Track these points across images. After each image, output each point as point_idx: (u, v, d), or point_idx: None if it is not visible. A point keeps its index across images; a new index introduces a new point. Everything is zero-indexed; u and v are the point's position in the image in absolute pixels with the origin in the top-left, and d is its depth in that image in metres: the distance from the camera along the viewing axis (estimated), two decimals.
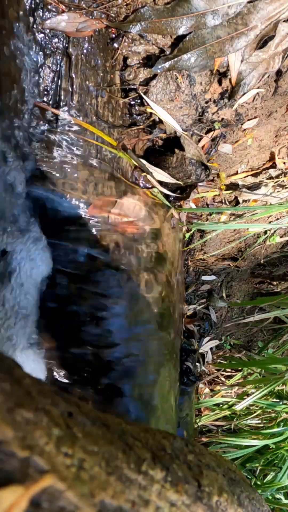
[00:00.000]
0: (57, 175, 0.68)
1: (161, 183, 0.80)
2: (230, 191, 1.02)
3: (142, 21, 0.63)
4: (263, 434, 1.33)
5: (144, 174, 0.78)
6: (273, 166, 1.01)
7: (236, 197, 1.05)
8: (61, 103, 0.66)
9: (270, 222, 1.17)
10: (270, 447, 1.38)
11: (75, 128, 0.68)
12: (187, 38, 0.66)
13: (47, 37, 0.62)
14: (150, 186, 0.80)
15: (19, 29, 0.59)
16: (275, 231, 1.23)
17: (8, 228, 0.63)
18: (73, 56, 0.64)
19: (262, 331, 1.55)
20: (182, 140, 0.76)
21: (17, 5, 0.59)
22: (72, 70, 0.65)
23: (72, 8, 0.62)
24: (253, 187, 1.02)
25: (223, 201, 1.04)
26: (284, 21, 0.68)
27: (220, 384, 1.54)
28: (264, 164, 1.02)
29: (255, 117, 0.87)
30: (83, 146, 0.69)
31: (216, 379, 1.56)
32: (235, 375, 1.54)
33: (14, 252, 0.64)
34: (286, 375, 1.14)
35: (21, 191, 0.65)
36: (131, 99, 0.73)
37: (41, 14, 0.60)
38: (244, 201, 1.05)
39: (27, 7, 0.59)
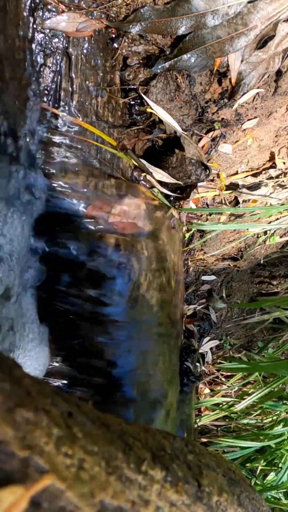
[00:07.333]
0: (57, 175, 0.68)
1: (161, 183, 0.80)
2: (230, 191, 1.02)
3: (142, 21, 0.63)
4: (263, 435, 1.33)
5: (144, 174, 0.78)
6: (273, 166, 1.01)
7: (236, 197, 1.04)
8: (61, 103, 0.66)
9: (269, 223, 1.17)
10: (270, 447, 1.38)
11: (75, 128, 0.68)
12: (187, 38, 0.66)
13: (47, 37, 0.62)
14: (150, 186, 0.80)
15: (19, 29, 0.59)
16: (275, 231, 1.23)
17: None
18: (73, 56, 0.64)
19: (262, 331, 1.55)
20: (182, 140, 0.76)
21: (16, 5, 0.58)
22: (72, 70, 0.65)
23: (72, 8, 0.62)
24: (253, 187, 1.02)
25: (223, 201, 1.04)
26: (284, 21, 0.68)
27: (220, 384, 1.54)
28: (264, 164, 1.02)
29: (255, 117, 0.87)
30: (83, 146, 0.69)
31: (216, 379, 1.55)
32: (235, 375, 1.53)
33: None
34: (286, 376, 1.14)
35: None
36: (131, 99, 0.73)
37: (41, 14, 0.60)
38: (244, 201, 1.05)
39: (27, 7, 0.59)
